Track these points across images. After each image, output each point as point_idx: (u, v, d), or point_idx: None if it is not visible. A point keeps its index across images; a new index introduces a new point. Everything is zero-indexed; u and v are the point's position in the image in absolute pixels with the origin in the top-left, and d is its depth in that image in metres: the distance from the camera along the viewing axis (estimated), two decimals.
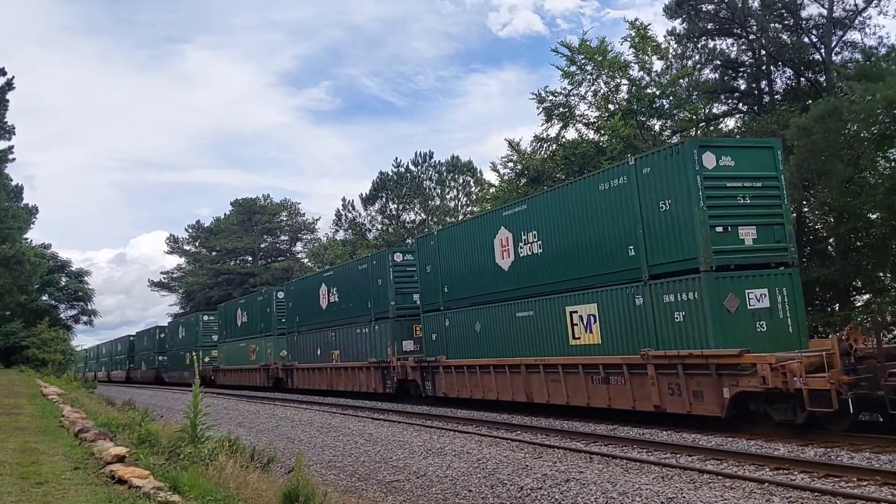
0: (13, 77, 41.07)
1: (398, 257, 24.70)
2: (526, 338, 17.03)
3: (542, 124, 33.57)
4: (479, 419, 16.83)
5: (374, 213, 58.67)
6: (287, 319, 33.93)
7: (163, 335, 58.07)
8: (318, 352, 29.85)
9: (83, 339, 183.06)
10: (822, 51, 27.83)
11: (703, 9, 29.25)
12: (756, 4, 28.61)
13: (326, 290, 29.41)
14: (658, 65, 31.58)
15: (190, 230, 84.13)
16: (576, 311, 15.38)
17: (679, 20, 30.22)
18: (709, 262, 12.35)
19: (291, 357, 33.07)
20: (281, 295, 33.01)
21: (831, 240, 23.62)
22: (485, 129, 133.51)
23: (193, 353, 45.91)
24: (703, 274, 12.35)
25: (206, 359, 44.34)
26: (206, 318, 47.98)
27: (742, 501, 7.82)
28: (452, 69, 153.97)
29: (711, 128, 30.74)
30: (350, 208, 59.75)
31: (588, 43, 31.67)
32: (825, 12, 27.93)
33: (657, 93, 30.34)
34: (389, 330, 23.95)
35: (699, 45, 30.65)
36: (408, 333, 23.83)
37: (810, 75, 28.73)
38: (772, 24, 28.57)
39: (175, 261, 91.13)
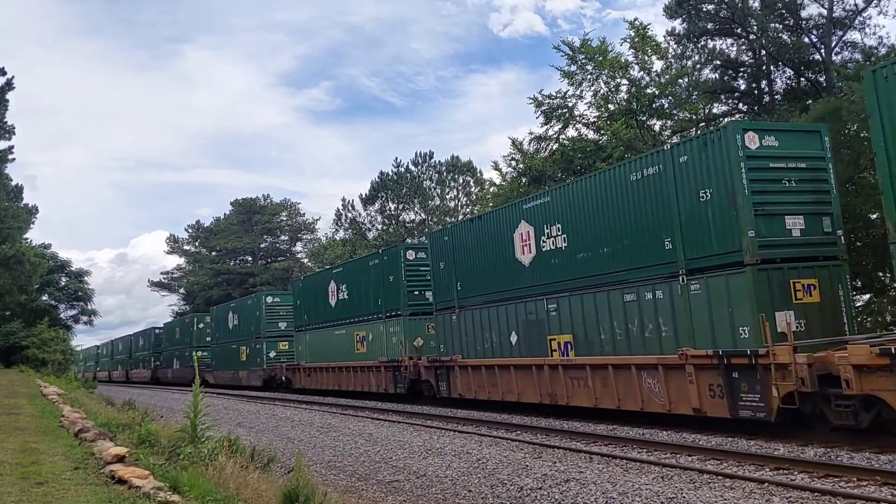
0: (13, 77, 41.05)
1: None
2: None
3: (542, 126, 33.63)
4: (479, 419, 16.83)
5: (373, 213, 58.70)
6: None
7: (201, 325, 47.16)
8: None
9: (83, 340, 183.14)
10: (822, 51, 27.83)
11: (703, 9, 29.24)
12: (756, 4, 28.61)
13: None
14: (658, 65, 31.60)
15: (190, 230, 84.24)
16: None
17: (679, 20, 30.21)
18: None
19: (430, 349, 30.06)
20: (411, 255, 25.00)
21: None
22: (485, 130, 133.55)
23: (248, 347, 38.70)
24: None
25: (272, 353, 36.62)
26: (270, 299, 37.90)
27: (742, 501, 7.82)
28: (452, 69, 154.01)
29: (711, 128, 30.74)
30: (350, 208, 59.80)
31: (589, 42, 31.69)
32: (825, 12, 27.93)
33: (657, 93, 30.34)
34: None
35: (699, 45, 30.63)
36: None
37: (810, 75, 28.72)
38: (772, 24, 28.56)
39: (175, 261, 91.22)
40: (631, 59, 31.34)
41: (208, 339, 46.20)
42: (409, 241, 50.25)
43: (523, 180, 34.11)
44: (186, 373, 42.93)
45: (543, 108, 32.88)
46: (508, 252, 17.76)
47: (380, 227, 57.81)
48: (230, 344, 41.48)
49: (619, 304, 14.29)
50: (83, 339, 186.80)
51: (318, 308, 30.44)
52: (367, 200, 58.64)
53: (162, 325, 59.38)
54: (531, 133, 34.76)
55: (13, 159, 42.96)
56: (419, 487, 10.02)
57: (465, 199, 57.04)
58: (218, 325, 44.40)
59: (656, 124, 31.92)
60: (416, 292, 23.59)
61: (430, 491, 9.75)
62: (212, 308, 48.26)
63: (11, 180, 45.66)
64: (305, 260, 73.68)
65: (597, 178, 15.31)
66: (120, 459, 8.00)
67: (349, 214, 59.76)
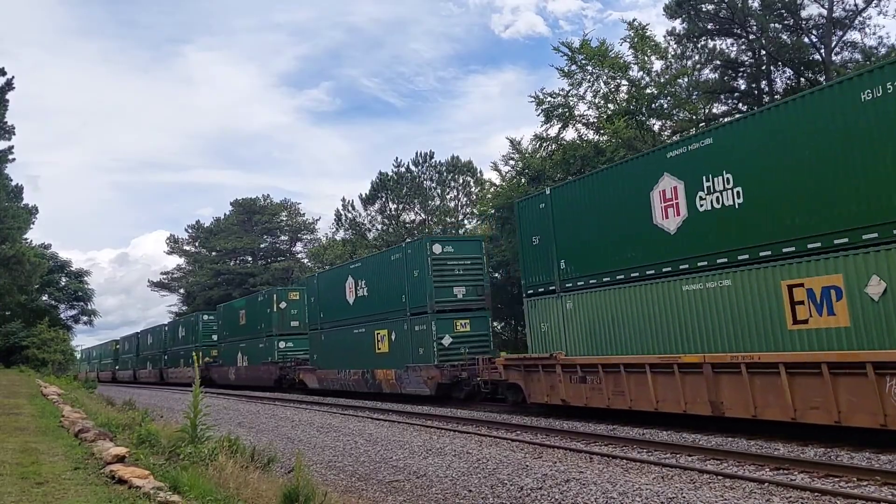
0: (13, 77, 41.11)
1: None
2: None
3: (542, 125, 33.69)
4: (479, 419, 16.82)
5: (373, 214, 58.68)
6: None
7: (242, 309, 41.15)
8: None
9: (83, 340, 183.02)
10: (822, 51, 27.85)
11: (703, 9, 29.28)
12: (756, 4, 28.64)
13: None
14: (658, 65, 31.64)
15: (190, 230, 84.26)
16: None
17: (679, 20, 30.25)
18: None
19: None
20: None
21: None
22: (485, 130, 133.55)
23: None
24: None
25: (282, 345, 35.17)
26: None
27: (742, 501, 7.82)
28: (452, 70, 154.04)
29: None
30: (350, 208, 59.77)
31: (589, 43, 31.71)
32: (825, 12, 27.97)
33: (656, 93, 30.36)
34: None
35: (699, 45, 30.69)
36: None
37: (810, 75, 28.74)
38: (772, 24, 28.60)
39: (175, 261, 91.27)
40: (631, 59, 31.39)
41: (214, 337, 46.06)
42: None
43: (522, 180, 34.15)
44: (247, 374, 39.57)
45: (544, 106, 32.93)
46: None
47: (380, 227, 57.81)
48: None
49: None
50: (83, 339, 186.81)
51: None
52: (367, 201, 58.63)
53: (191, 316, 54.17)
54: (534, 135, 34.87)
55: (13, 159, 43.03)
56: (419, 487, 10.01)
57: (465, 199, 57.03)
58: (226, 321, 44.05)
59: (656, 124, 31.96)
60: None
61: (430, 491, 9.75)
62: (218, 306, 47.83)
63: (11, 180, 45.71)
64: (305, 260, 73.69)
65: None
66: (120, 459, 8.00)
67: (349, 215, 59.77)
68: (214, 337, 46.01)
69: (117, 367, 72.02)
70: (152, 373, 58.03)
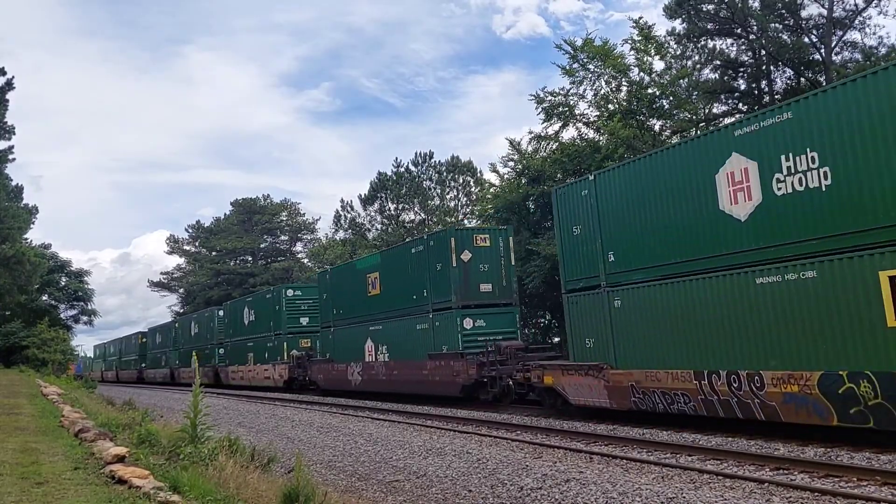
0: (13, 77, 41.16)
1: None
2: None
3: (542, 123, 33.70)
4: (479, 419, 16.82)
5: (373, 214, 58.70)
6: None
7: (374, 272, 28.10)
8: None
9: (83, 340, 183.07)
10: (822, 51, 27.84)
11: (703, 9, 29.27)
12: (756, 4, 28.64)
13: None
14: (659, 65, 31.64)
15: (190, 230, 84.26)
16: None
17: (679, 20, 30.24)
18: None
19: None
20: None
21: None
22: (485, 130, 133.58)
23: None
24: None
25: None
26: (291, 292, 31.73)
27: (742, 501, 7.82)
28: (452, 70, 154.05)
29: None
30: (349, 208, 59.80)
31: (592, 41, 31.72)
32: (825, 12, 27.97)
33: (657, 93, 30.36)
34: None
35: (699, 45, 30.68)
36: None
37: (810, 75, 28.74)
38: (772, 24, 28.60)
39: (175, 261, 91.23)
40: (632, 60, 31.39)
41: (304, 320, 35.90)
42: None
43: (522, 180, 34.16)
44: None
45: (545, 104, 32.93)
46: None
47: (379, 227, 57.83)
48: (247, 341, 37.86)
49: None
50: (83, 339, 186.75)
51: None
52: (367, 201, 58.65)
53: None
54: (531, 132, 34.88)
55: (13, 159, 43.08)
56: (419, 487, 10.01)
57: (465, 199, 57.04)
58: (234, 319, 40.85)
59: (656, 124, 31.97)
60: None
61: (431, 491, 9.75)
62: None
63: (11, 180, 45.73)
64: (305, 260, 73.70)
65: None
66: (120, 459, 8.00)
67: (349, 215, 59.80)
68: (304, 321, 33.49)
69: (144, 365, 59.31)
70: (202, 372, 43.94)
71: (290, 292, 34.24)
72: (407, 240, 36.02)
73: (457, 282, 20.78)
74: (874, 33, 28.19)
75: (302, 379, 30.41)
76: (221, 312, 43.78)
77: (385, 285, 24.72)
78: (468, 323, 20.74)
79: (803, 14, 28.60)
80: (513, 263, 21.84)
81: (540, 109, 33.13)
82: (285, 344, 32.90)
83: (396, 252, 25.07)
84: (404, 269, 23.56)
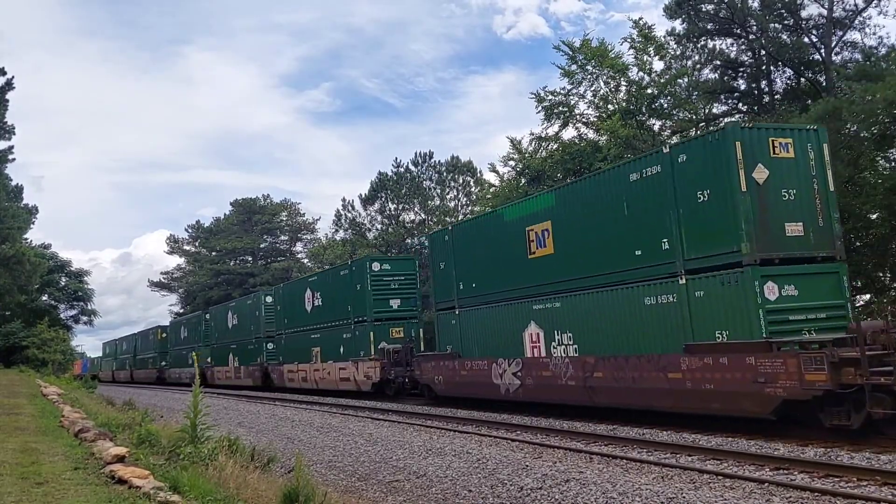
0: (13, 77, 41.23)
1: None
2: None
3: (542, 123, 33.70)
4: (479, 419, 16.82)
5: (373, 214, 58.66)
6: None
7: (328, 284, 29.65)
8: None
9: (83, 340, 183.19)
10: (822, 51, 27.83)
11: (703, 9, 29.26)
12: (756, 4, 28.64)
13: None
14: (658, 65, 31.64)
15: (190, 230, 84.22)
16: None
17: (679, 20, 30.23)
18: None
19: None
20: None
21: None
22: (485, 130, 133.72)
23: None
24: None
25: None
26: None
27: (742, 501, 7.82)
28: (452, 70, 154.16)
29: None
30: (350, 208, 59.76)
31: (589, 42, 31.72)
32: (825, 12, 27.95)
33: (656, 93, 30.36)
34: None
35: (699, 45, 30.67)
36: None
37: (810, 75, 28.74)
38: (772, 24, 28.59)
39: (175, 261, 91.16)
40: (631, 60, 31.38)
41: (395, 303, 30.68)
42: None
43: (521, 180, 34.15)
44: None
45: (545, 104, 32.93)
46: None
47: (379, 227, 57.79)
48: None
49: None
50: (83, 339, 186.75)
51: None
52: (367, 201, 58.61)
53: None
54: (531, 133, 34.86)
55: (13, 159, 43.14)
56: (419, 487, 10.01)
57: (465, 199, 57.01)
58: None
59: (656, 124, 31.97)
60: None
61: (430, 491, 9.75)
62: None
63: (11, 180, 45.78)
64: (305, 260, 73.67)
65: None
66: (120, 459, 8.00)
67: (349, 215, 59.74)
68: (395, 303, 26.78)
69: (165, 364, 52.47)
70: (246, 373, 37.84)
71: (376, 266, 26.71)
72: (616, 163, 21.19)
73: (749, 219, 12.30)
74: (874, 33, 28.16)
75: (401, 381, 23.95)
76: (270, 298, 36.10)
77: (563, 240, 16.63)
78: (771, 290, 12.32)
79: (803, 14, 28.61)
80: (831, 189, 13.25)
81: (540, 108, 33.15)
82: (371, 334, 25.64)
83: (593, 182, 16.19)
84: (611, 207, 15.10)
